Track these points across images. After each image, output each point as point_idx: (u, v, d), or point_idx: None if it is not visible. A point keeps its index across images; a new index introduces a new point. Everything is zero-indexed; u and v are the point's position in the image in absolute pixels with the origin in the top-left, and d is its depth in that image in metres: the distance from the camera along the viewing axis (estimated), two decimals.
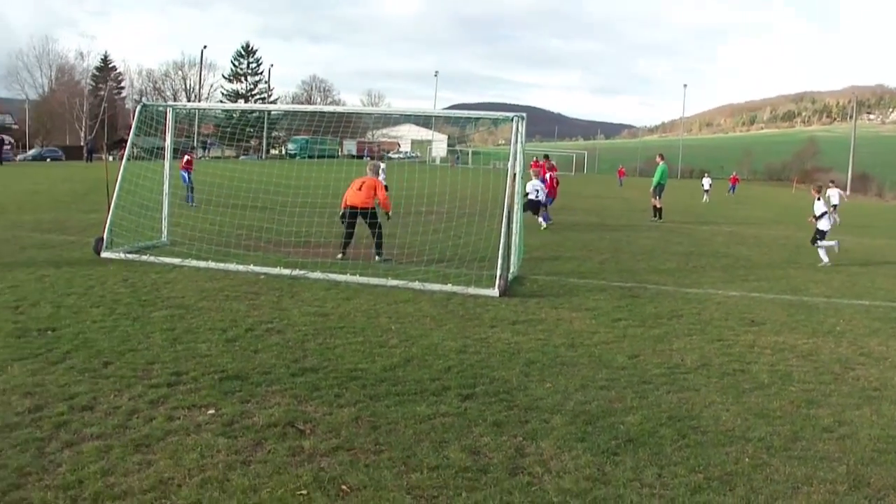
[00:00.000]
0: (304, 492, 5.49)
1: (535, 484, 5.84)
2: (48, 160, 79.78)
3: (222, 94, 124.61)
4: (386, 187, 32.20)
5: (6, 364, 8.09)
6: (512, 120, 15.04)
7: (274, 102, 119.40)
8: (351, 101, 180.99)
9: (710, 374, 9.15)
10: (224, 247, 16.81)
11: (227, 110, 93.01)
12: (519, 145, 14.86)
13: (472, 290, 13.50)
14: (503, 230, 14.23)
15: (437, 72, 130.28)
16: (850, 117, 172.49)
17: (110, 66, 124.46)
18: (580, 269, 16.98)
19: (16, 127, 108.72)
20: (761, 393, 8.49)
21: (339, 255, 16.97)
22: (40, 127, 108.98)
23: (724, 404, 8.00)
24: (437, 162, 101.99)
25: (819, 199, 21.07)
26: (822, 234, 20.50)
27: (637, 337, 10.88)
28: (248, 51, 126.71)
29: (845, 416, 7.84)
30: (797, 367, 9.64)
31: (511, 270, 14.75)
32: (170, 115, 18.25)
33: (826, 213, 20.66)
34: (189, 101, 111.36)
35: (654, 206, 32.40)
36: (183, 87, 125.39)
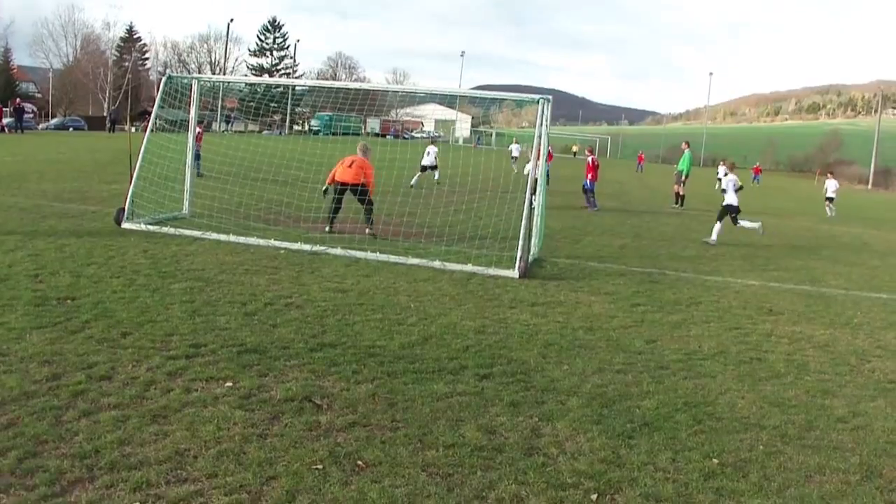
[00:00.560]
0: (320, 466, 5.52)
1: (550, 464, 5.86)
2: (70, 129, 79.95)
3: (247, 68, 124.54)
4: (435, 167, 32.54)
5: (25, 332, 8.13)
6: (538, 102, 14.99)
7: (299, 78, 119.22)
8: (376, 78, 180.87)
9: (726, 361, 9.15)
10: (245, 220, 16.86)
11: (251, 84, 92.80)
12: (544, 128, 14.82)
13: (491, 271, 13.50)
14: (525, 212, 14.22)
15: (463, 52, 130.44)
16: (875, 111, 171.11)
17: (135, 36, 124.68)
18: (600, 254, 16.95)
19: (39, 95, 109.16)
20: (777, 382, 8.49)
21: (327, 228, 17.00)
22: (63, 96, 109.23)
23: (740, 392, 8.00)
24: (461, 142, 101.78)
25: (727, 174, 22.19)
26: (734, 210, 21.03)
27: (655, 322, 10.87)
28: (274, 25, 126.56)
29: (860, 407, 7.83)
30: (813, 358, 9.62)
31: (531, 252, 14.75)
32: (195, 88, 18.26)
33: (734, 190, 21.23)
34: (214, 74, 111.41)
35: (677, 193, 32.29)
36: (208, 60, 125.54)
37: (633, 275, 14.52)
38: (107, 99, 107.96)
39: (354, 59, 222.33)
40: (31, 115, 76.83)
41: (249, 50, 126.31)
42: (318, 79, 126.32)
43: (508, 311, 10.90)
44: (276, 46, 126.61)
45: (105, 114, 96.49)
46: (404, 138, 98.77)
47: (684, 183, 32.20)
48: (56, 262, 11.80)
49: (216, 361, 7.65)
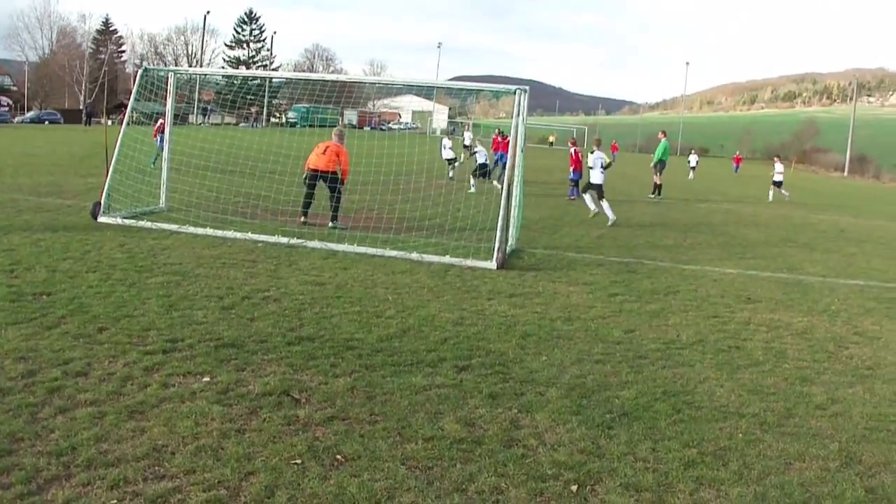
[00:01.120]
0: (299, 461, 5.50)
1: (530, 456, 5.85)
2: (46, 123, 79.67)
3: (224, 60, 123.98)
4: (455, 159, 33.26)
5: (0, 328, 8.07)
6: (514, 93, 14.97)
7: (276, 70, 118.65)
8: (353, 70, 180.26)
9: (705, 350, 9.17)
10: (222, 214, 16.78)
11: (228, 77, 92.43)
12: (521, 118, 14.80)
13: (469, 263, 13.49)
14: (502, 203, 14.22)
15: (440, 43, 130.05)
16: (851, 99, 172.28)
17: (112, 29, 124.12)
18: (578, 244, 16.98)
19: (14, 89, 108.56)
20: (756, 370, 8.51)
21: (301, 219, 17.00)
22: (39, 89, 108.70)
23: (719, 380, 8.02)
24: (438, 133, 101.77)
25: (594, 150, 22.81)
26: (598, 188, 22.03)
27: (633, 312, 10.89)
28: (251, 17, 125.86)
29: (838, 393, 7.86)
30: (792, 345, 9.66)
31: (509, 243, 14.74)
32: (171, 81, 18.17)
33: (601, 167, 22.15)
34: (190, 66, 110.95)
35: (655, 183, 32.39)
36: (185, 52, 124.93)
37: (610, 265, 14.54)
38: (83, 92, 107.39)
39: (332, 50, 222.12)
40: (7, 109, 76.59)
41: (226, 42, 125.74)
42: (295, 70, 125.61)
43: (486, 302, 10.89)
44: (252, 38, 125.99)
45: (81, 107, 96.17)
46: (381, 129, 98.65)
47: (660, 172, 32.27)
48: (31, 256, 11.71)
49: (193, 356, 7.60)
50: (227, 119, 74.71)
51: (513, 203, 14.80)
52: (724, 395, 7.57)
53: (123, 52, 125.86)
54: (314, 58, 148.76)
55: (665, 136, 33.54)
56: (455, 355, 8.21)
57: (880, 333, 10.67)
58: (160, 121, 28.26)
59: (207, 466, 5.33)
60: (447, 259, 13.64)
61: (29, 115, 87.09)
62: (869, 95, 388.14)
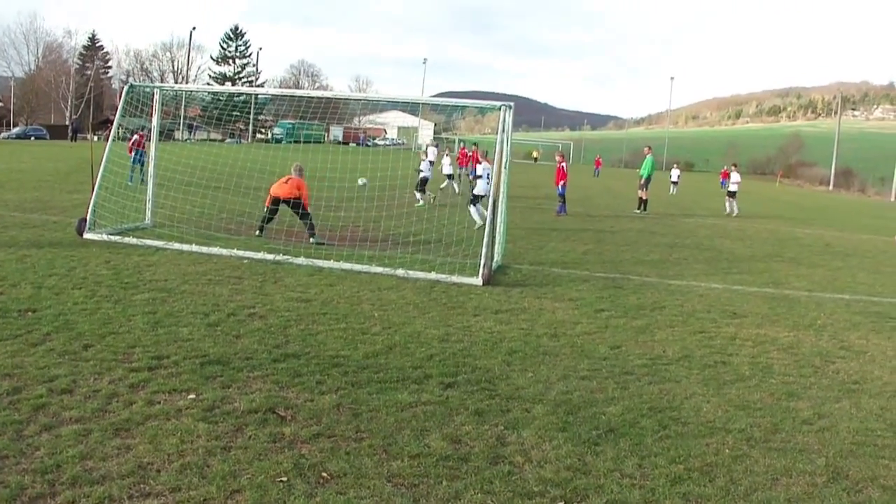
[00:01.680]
0: (285, 478, 5.48)
1: (516, 473, 5.84)
2: (32, 138, 79.28)
3: (210, 76, 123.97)
4: (451, 176, 33.71)
5: None
6: (499, 109, 14.99)
7: (261, 86, 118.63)
8: (339, 86, 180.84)
9: (691, 365, 9.18)
10: (207, 230, 16.76)
11: (214, 93, 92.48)
12: (506, 134, 14.82)
13: (455, 279, 13.49)
14: (488, 218, 14.22)
15: (425, 59, 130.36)
16: (835, 113, 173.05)
17: (98, 45, 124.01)
18: (564, 259, 16.99)
19: (0, 104, 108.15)
20: (742, 385, 8.53)
21: (257, 233, 17.41)
22: (25, 105, 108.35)
23: (705, 396, 8.03)
24: (424, 149, 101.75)
25: (481, 162, 23.00)
26: (476, 199, 22.15)
27: (619, 328, 10.90)
28: (236, 33, 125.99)
29: (825, 408, 7.88)
30: (778, 360, 9.68)
31: (495, 259, 14.74)
32: (157, 97, 18.15)
33: (487, 179, 21.81)
34: (176, 82, 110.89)
35: (640, 198, 32.51)
36: (171, 68, 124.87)
37: (596, 280, 14.56)
38: (69, 108, 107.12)
39: (317, 66, 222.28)
40: None
41: (212, 58, 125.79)
42: (280, 86, 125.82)
43: (472, 318, 10.89)
44: (238, 54, 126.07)
45: (67, 123, 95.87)
46: (367, 146, 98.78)
47: (646, 187, 32.40)
48: (17, 273, 11.68)
49: (179, 373, 7.58)
50: (213, 135, 74.62)
51: (498, 219, 14.80)
52: (711, 410, 7.58)
53: (109, 67, 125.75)
54: (300, 73, 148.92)
55: (650, 151, 33.71)
56: (441, 372, 8.20)
57: (867, 348, 10.70)
58: (135, 136, 28.25)
59: (193, 484, 5.30)
60: (433, 275, 13.63)
61: (14, 130, 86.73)
62: (853, 109, 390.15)
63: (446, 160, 34.79)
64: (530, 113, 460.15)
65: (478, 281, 13.35)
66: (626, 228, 25.11)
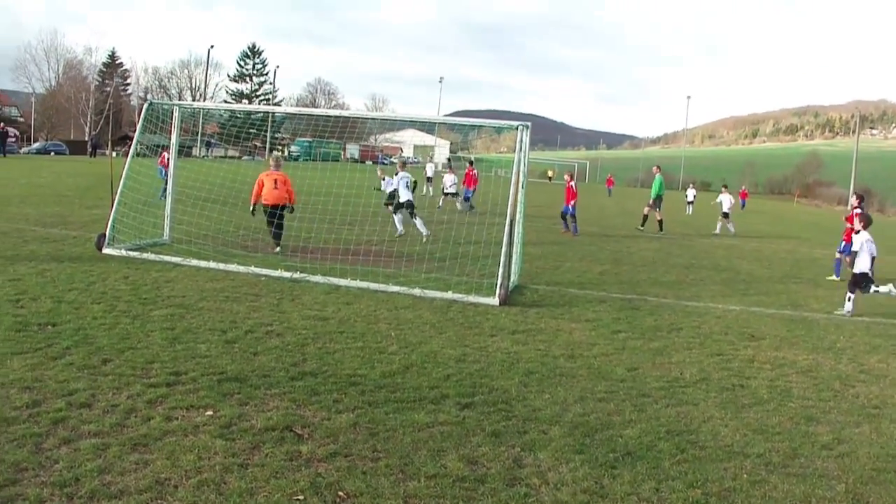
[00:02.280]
0: (301, 497, 5.48)
1: (533, 495, 5.82)
2: (52, 154, 79.85)
3: (227, 93, 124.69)
4: (456, 194, 34.35)
5: (6, 358, 8.09)
6: (516, 128, 15.00)
7: (278, 104, 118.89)
8: (355, 104, 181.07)
9: (709, 388, 9.14)
10: (225, 247, 16.82)
11: (231, 110, 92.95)
12: (523, 154, 14.82)
13: (472, 299, 13.48)
14: (505, 239, 14.21)
15: (441, 78, 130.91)
16: (853, 132, 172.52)
17: (117, 62, 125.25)
18: (580, 280, 16.96)
19: (21, 120, 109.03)
20: (760, 409, 8.48)
21: (277, 250, 17.68)
22: (45, 120, 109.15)
23: (723, 419, 7.99)
24: (440, 168, 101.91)
25: (398, 172, 23.62)
26: (411, 206, 22.63)
27: (636, 349, 10.87)
28: (253, 51, 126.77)
29: (845, 433, 7.83)
30: (797, 384, 9.63)
31: (511, 280, 14.73)
32: (176, 114, 18.27)
33: (406, 186, 22.81)
34: (194, 99, 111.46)
35: (645, 216, 32.48)
36: (189, 85, 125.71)
37: (613, 301, 14.53)
38: (88, 124, 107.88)
39: (334, 85, 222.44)
40: (14, 140, 76.66)
41: (229, 75, 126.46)
42: (297, 105, 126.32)
43: (489, 338, 10.88)
44: (255, 72, 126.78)
45: (86, 138, 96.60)
46: (383, 164, 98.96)
47: (659, 207, 32.32)
48: (37, 287, 11.75)
49: (197, 390, 7.60)
50: (231, 152, 74.87)
51: (515, 239, 14.79)
52: (729, 434, 7.54)
53: (128, 84, 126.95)
54: (316, 92, 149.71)
55: (660, 170, 33.68)
56: (458, 392, 8.19)
57: (887, 371, 10.63)
58: (165, 153, 28.47)
59: (210, 501, 5.32)
60: (449, 295, 13.62)
61: (35, 146, 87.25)
62: (872, 128, 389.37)
63: (450, 178, 35.35)
64: (546, 132, 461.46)
65: (494, 301, 13.34)
66: (642, 249, 25.05)
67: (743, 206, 73.48)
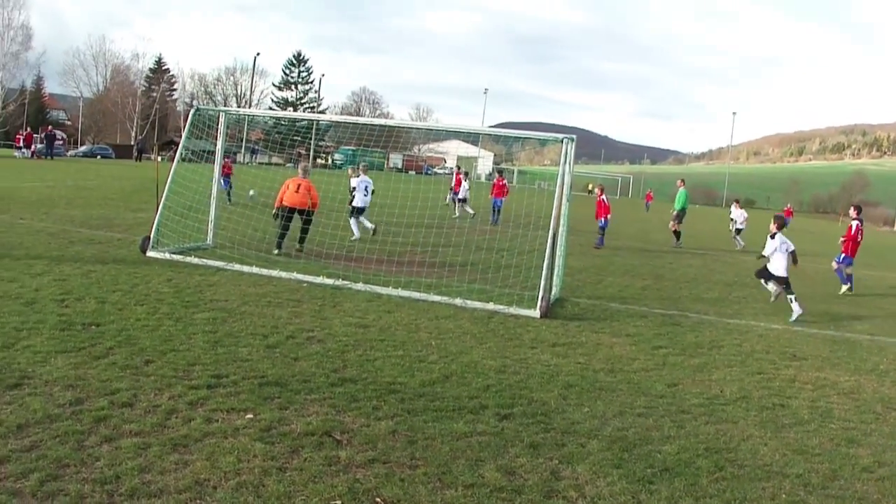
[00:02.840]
0: (339, 502, 5.51)
1: None
2: (98, 157, 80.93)
3: (272, 101, 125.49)
4: (465, 200, 34.44)
5: (50, 356, 8.22)
6: (561, 141, 14.98)
7: (323, 112, 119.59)
8: (399, 114, 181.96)
9: (749, 406, 9.08)
10: (267, 253, 16.95)
11: (276, 118, 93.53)
12: (568, 167, 14.81)
13: (513, 310, 13.46)
14: (547, 251, 14.19)
15: (486, 89, 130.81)
16: None
17: (164, 68, 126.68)
18: (622, 295, 16.90)
19: (69, 123, 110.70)
20: (801, 429, 8.41)
21: (276, 251, 17.78)
22: (92, 124, 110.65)
23: (763, 438, 7.93)
24: (483, 179, 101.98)
25: (359, 175, 23.23)
26: (361, 211, 22.62)
27: (677, 365, 10.82)
28: (299, 59, 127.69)
29: (886, 456, 7.74)
30: (838, 405, 9.53)
31: (553, 292, 14.70)
32: (222, 120, 18.43)
33: (363, 191, 22.69)
34: (239, 106, 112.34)
35: (675, 231, 32.25)
36: (234, 92, 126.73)
37: (654, 317, 14.47)
38: (134, 128, 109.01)
39: (378, 94, 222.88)
40: (61, 143, 77.90)
41: (275, 83, 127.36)
42: (342, 113, 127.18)
43: (529, 350, 10.87)
44: (300, 80, 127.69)
45: (132, 143, 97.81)
46: (426, 174, 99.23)
47: (681, 220, 32.17)
48: (82, 287, 11.90)
49: (237, 393, 7.67)
50: (275, 159, 75.38)
51: (557, 252, 14.76)
52: (768, 453, 7.48)
53: (175, 90, 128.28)
54: (361, 101, 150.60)
55: (683, 184, 33.52)
56: (497, 403, 8.19)
57: None
58: (225, 160, 28.84)
59: (248, 503, 5.36)
60: (490, 306, 13.62)
61: (82, 149, 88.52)
62: None
63: (464, 184, 35.56)
64: (590, 146, 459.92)
65: (535, 313, 13.32)
66: (685, 265, 24.89)
67: (786, 224, 72.89)
